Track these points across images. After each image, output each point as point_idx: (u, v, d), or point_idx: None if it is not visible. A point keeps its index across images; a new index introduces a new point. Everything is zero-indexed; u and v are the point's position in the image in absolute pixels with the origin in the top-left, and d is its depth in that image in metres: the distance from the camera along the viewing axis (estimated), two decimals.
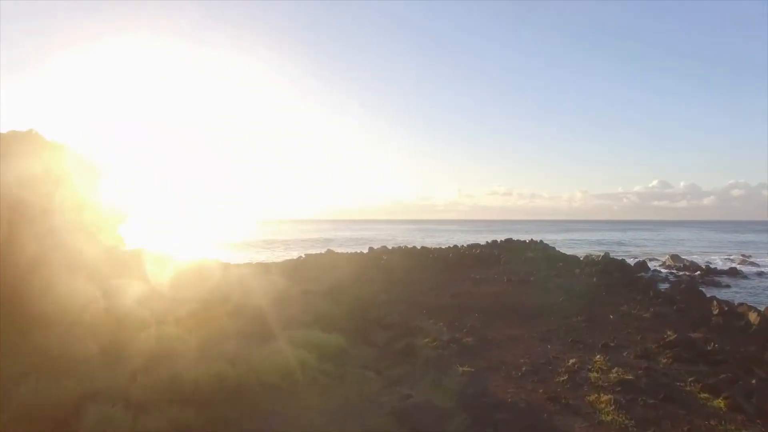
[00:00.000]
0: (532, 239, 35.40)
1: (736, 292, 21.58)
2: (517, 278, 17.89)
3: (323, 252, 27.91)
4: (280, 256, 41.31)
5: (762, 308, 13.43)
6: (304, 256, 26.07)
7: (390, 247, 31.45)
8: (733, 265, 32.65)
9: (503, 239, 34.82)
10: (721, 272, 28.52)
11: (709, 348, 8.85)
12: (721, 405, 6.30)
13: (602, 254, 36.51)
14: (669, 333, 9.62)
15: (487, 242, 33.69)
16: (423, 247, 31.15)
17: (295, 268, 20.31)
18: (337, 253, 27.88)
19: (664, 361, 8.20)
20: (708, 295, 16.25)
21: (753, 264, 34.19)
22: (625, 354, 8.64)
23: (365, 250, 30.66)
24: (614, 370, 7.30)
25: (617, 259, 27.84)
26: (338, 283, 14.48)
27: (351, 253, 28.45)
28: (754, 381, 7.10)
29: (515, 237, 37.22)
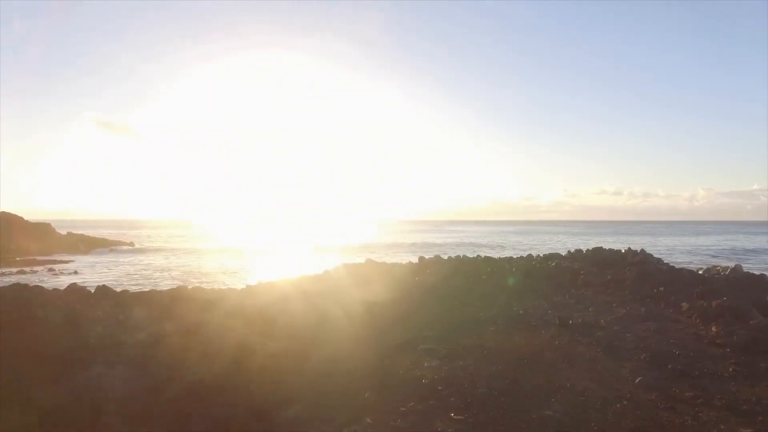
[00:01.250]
0: (629, 248, 28.23)
1: None
2: (580, 319, 12.16)
3: (362, 262, 23.95)
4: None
5: None
6: (334, 268, 22.27)
7: (449, 256, 26.54)
8: None
9: (590, 248, 28.05)
10: None
11: None
12: None
13: (731, 266, 28.39)
14: None
15: (569, 251, 27.29)
16: (486, 258, 25.80)
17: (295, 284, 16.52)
18: (375, 263, 23.71)
19: None
20: None
21: None
22: None
23: (439, 257, 26.27)
24: None
25: None
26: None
27: (390, 264, 24.12)
28: None
29: (624, 239, 30.24)
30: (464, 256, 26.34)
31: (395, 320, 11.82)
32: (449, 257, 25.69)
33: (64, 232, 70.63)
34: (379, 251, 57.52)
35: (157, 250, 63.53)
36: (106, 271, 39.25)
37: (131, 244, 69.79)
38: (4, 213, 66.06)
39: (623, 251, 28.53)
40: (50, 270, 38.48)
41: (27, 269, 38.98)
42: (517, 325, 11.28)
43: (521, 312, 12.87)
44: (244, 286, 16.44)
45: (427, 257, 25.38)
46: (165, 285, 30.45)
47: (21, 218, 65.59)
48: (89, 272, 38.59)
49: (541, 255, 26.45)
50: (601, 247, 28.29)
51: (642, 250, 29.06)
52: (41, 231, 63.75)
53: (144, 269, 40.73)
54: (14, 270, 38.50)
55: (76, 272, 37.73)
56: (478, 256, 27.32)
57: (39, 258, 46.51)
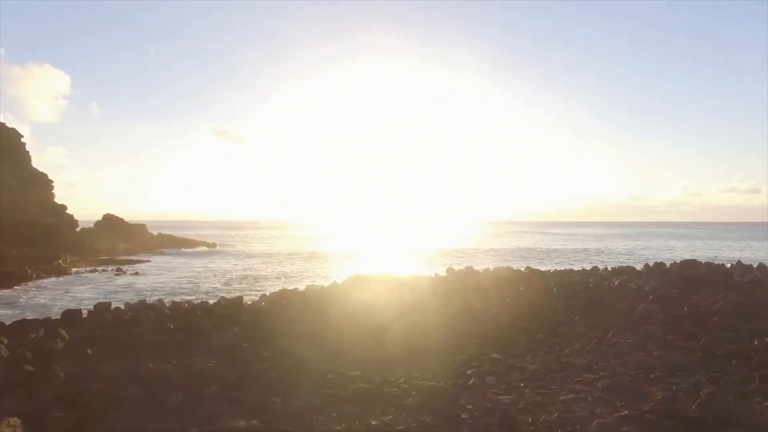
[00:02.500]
0: (739, 262, 21.62)
1: None
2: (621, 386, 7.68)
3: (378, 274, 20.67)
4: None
5: None
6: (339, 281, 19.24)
7: (488, 269, 22.22)
8: None
9: (682, 260, 21.82)
10: None
11: None
12: None
13: None
14: None
15: (647, 265, 21.45)
16: (534, 271, 21.10)
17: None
18: (379, 277, 20.27)
19: None
20: None
21: None
22: None
23: (517, 267, 22.39)
24: None
25: None
26: None
27: (411, 277, 20.48)
28: None
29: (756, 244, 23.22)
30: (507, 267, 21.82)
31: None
32: (501, 268, 21.34)
33: (167, 232, 76.24)
34: (474, 257, 53.48)
35: (228, 253, 65.20)
36: (166, 273, 39.97)
37: (213, 245, 72.69)
38: (107, 215, 72.17)
39: (729, 266, 22.04)
40: (118, 269, 40.04)
41: (99, 268, 41.05)
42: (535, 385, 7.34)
43: (532, 371, 8.67)
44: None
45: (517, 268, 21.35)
46: (203, 292, 29.54)
47: (121, 220, 71.17)
48: (153, 273, 39.62)
49: (609, 268, 20.97)
50: (694, 260, 21.88)
51: (762, 265, 22.38)
52: (135, 232, 68.61)
53: (201, 272, 40.99)
54: (88, 269, 40.71)
55: (137, 273, 38.80)
56: (520, 270, 22.61)
57: (120, 258, 49.25)
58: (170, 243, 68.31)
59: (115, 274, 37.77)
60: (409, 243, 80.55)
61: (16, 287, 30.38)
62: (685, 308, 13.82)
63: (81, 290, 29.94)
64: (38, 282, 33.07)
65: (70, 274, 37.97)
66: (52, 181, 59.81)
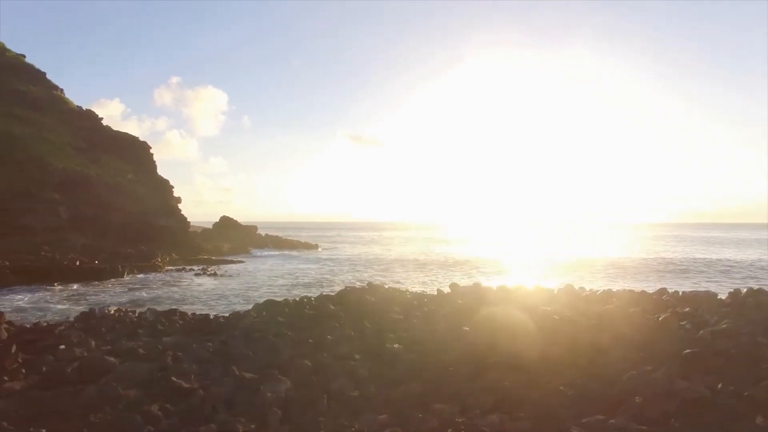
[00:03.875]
0: None
1: None
2: None
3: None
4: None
5: None
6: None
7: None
8: None
9: None
10: None
11: None
12: None
13: None
14: None
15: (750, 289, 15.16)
16: (614, 295, 16.33)
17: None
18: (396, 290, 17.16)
19: None
20: None
21: None
22: None
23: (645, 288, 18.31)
24: None
25: None
26: None
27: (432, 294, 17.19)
28: None
29: None
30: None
31: None
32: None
33: (302, 234, 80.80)
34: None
35: (316, 258, 66.03)
36: (247, 275, 41.24)
37: (315, 246, 74.73)
38: (223, 217, 78.47)
39: None
40: (203, 269, 42.39)
41: (189, 267, 43.91)
42: None
43: None
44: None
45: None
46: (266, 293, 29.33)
47: (235, 221, 76.87)
48: (232, 274, 41.20)
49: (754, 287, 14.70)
50: None
51: None
52: (245, 233, 73.49)
53: (282, 274, 41.55)
54: (179, 267, 43.82)
55: (215, 274, 40.57)
56: (591, 291, 17.70)
57: (216, 258, 52.50)
58: (274, 243, 71.84)
59: (195, 275, 39.94)
60: (563, 250, 71.40)
61: (94, 282, 33.39)
62: None
63: (134, 290, 31.83)
64: (122, 279, 36.09)
65: (160, 272, 41.07)
66: (173, 187, 66.49)
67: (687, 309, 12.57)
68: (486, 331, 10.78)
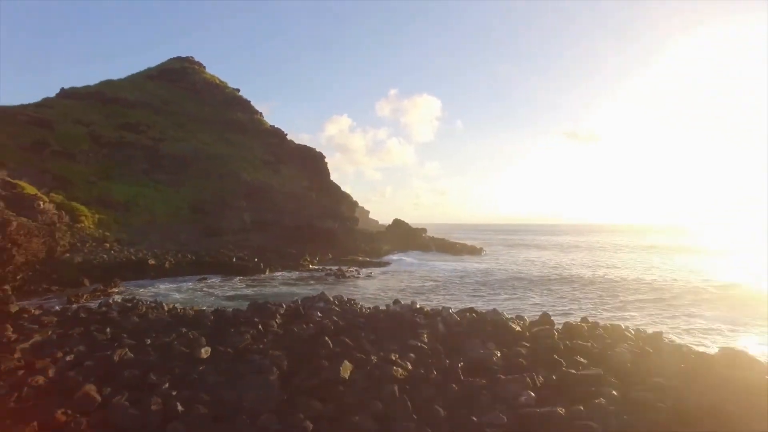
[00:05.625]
0: None
1: None
2: None
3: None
4: None
5: None
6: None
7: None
8: None
9: None
10: None
11: None
12: None
13: None
14: None
15: None
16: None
17: None
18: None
19: None
20: None
21: None
22: None
23: None
24: None
25: None
26: None
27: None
28: None
29: None
30: None
31: None
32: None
33: (509, 236, 79.54)
34: None
35: (463, 270, 62.09)
36: (383, 279, 41.46)
37: (480, 251, 70.89)
38: (396, 220, 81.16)
39: None
40: (338, 269, 44.09)
41: (328, 267, 46.21)
42: None
43: None
44: None
45: None
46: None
47: (405, 224, 78.75)
48: (363, 275, 41.92)
49: None
50: None
51: None
52: (412, 235, 74.39)
53: (407, 282, 40.55)
54: (319, 267, 46.50)
55: (354, 276, 41.67)
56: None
57: (363, 258, 54.10)
58: (436, 246, 70.83)
59: (326, 274, 41.72)
60: None
61: (238, 277, 37.61)
62: None
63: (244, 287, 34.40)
64: (260, 275, 39.88)
65: (302, 270, 44.19)
66: (345, 193, 71.68)
67: None
68: None
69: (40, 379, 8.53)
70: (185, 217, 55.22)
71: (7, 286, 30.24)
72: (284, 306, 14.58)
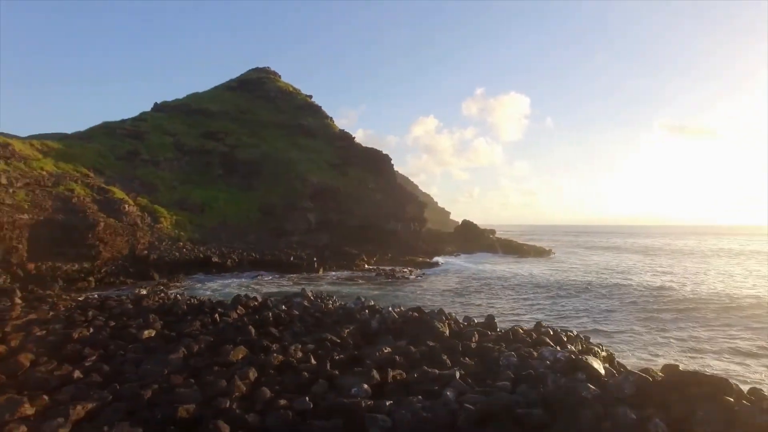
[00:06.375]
0: None
1: None
2: None
3: None
4: None
5: None
6: None
7: None
8: None
9: None
10: None
11: None
12: None
13: None
14: None
15: None
16: None
17: None
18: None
19: None
20: None
21: None
22: None
23: None
24: None
25: None
26: None
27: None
28: None
29: None
30: None
31: None
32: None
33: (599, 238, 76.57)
34: None
35: (531, 266, 59.42)
36: (431, 281, 41.56)
37: (548, 252, 67.67)
38: (465, 221, 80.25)
39: None
40: (391, 270, 44.75)
41: (380, 267, 47.00)
42: None
43: None
44: None
45: None
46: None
47: (474, 225, 77.61)
48: (412, 276, 42.23)
49: None
50: None
51: None
52: (479, 236, 73.04)
53: (462, 285, 40.26)
54: (372, 267, 47.41)
55: (404, 277, 42.17)
56: None
57: (422, 259, 54.17)
58: (502, 246, 68.83)
59: (376, 274, 42.53)
60: None
61: (291, 274, 39.66)
62: None
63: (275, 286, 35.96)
64: (312, 274, 41.62)
65: (356, 270, 45.44)
66: (412, 194, 72.21)
67: None
68: None
69: (2, 348, 10.25)
70: (255, 218, 58.99)
71: (91, 278, 34.76)
72: (258, 300, 15.61)
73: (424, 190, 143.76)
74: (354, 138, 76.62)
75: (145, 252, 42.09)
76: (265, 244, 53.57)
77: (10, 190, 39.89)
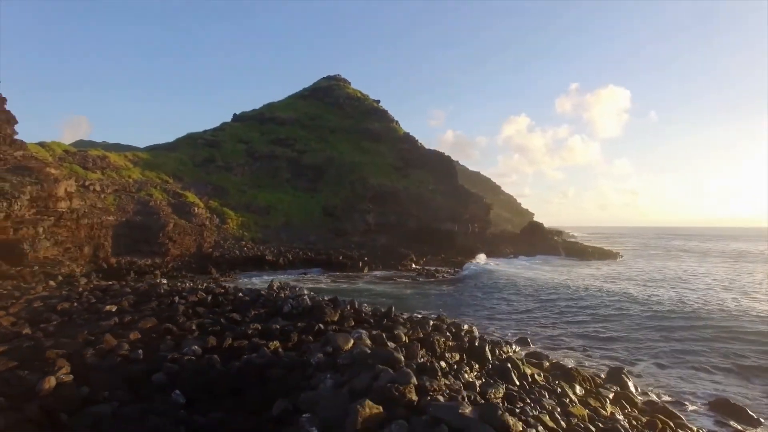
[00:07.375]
0: None
1: None
2: None
3: None
4: None
5: None
6: None
7: None
8: None
9: None
10: None
11: None
12: None
13: None
14: None
15: None
16: None
17: None
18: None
19: None
20: None
21: None
22: None
23: None
24: None
25: None
26: None
27: None
28: None
29: None
30: None
31: None
32: None
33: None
34: None
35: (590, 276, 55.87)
36: (463, 280, 41.63)
37: (615, 255, 63.38)
38: (531, 222, 77.99)
39: None
40: (435, 270, 45.23)
41: (426, 267, 47.57)
42: None
43: None
44: None
45: None
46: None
47: (541, 226, 75.20)
48: (452, 276, 42.50)
49: None
50: None
51: None
52: (542, 237, 70.50)
53: (488, 283, 39.96)
54: (417, 267, 48.09)
55: (442, 277, 42.60)
56: None
57: (461, 259, 53.76)
58: (565, 249, 65.84)
59: (417, 274, 43.30)
60: None
61: (336, 272, 41.81)
62: None
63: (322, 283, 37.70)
64: (357, 273, 43.40)
65: (401, 270, 46.56)
66: (473, 195, 71.70)
67: None
68: None
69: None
70: (317, 220, 62.32)
71: (158, 272, 39.55)
72: (242, 292, 17.60)
73: (512, 191, 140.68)
74: (417, 141, 77.61)
75: (210, 250, 46.66)
76: (324, 244, 56.49)
77: (102, 196, 46.43)
